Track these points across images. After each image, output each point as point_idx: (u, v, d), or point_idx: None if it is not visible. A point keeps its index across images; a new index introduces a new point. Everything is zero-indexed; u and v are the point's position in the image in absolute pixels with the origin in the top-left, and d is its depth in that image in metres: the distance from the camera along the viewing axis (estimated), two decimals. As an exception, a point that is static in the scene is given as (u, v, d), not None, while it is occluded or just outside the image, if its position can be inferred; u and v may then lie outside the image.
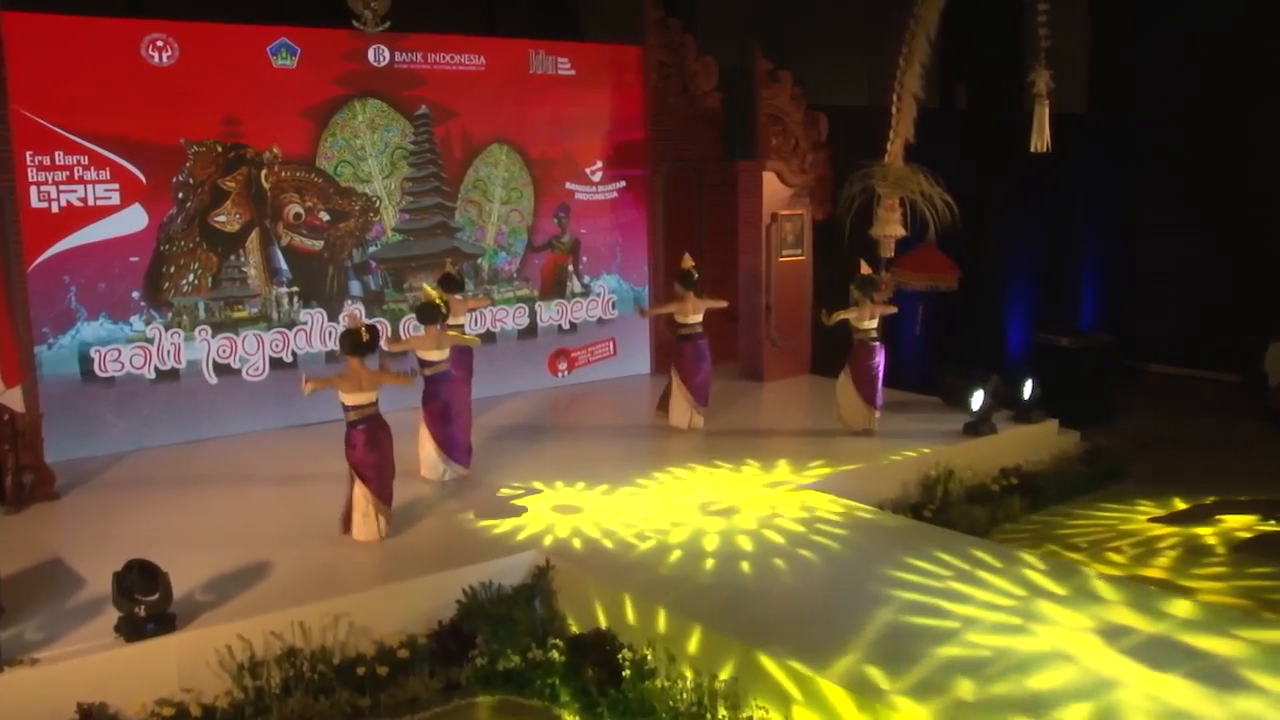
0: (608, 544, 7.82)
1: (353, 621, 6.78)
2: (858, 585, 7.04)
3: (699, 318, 10.94)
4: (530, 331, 12.70)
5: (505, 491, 8.94)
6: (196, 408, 10.64)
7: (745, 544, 7.81)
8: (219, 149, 10.58)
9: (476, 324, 12.08)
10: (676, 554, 7.61)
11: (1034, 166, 15.88)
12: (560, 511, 8.48)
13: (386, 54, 11.37)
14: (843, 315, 10.77)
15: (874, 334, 10.84)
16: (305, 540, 7.89)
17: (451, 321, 10.34)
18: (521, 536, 7.94)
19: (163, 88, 10.18)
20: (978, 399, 10.65)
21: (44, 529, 8.34)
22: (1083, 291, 17.38)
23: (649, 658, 6.48)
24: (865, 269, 11.21)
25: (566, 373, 13.00)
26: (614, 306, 13.28)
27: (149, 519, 8.42)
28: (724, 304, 11.26)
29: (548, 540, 7.86)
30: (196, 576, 7.06)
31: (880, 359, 10.84)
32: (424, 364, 9.08)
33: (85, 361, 10.07)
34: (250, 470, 9.76)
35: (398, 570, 7.38)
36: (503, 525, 8.18)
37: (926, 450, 10.17)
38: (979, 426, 10.64)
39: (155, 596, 6.22)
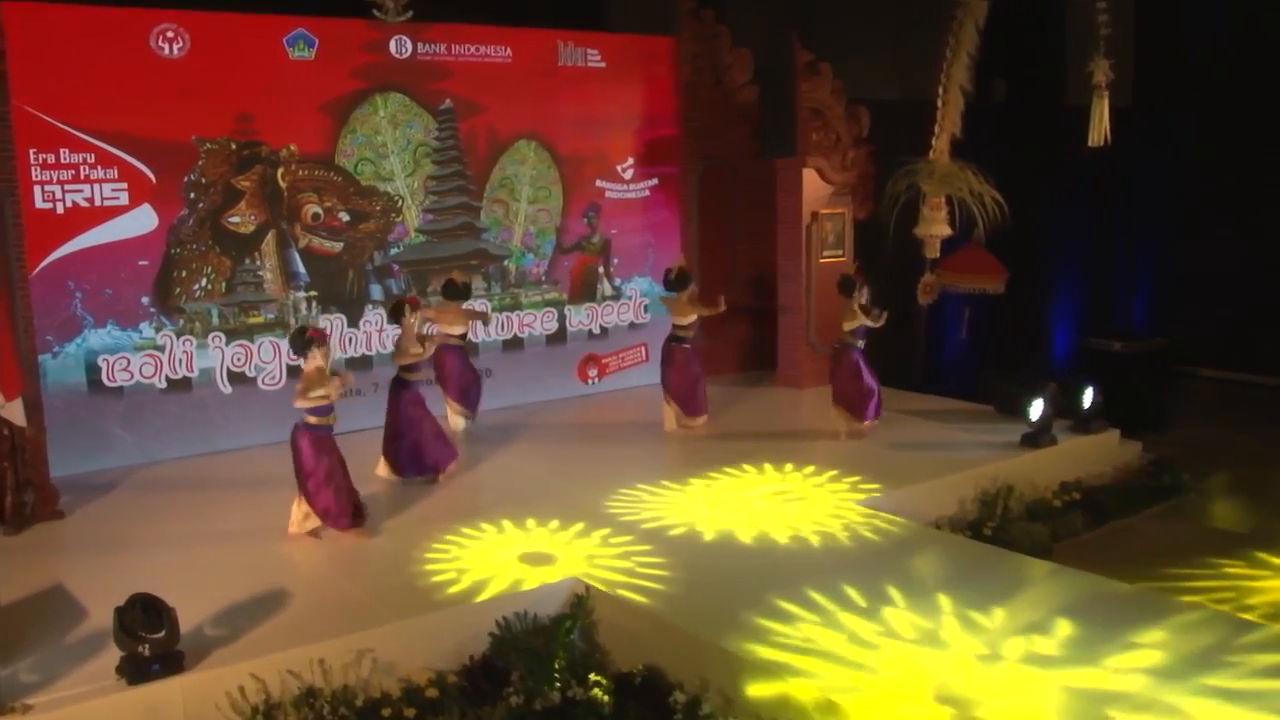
0: (655, 568, 7.21)
1: (377, 658, 6.21)
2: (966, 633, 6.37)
3: (686, 320, 10.43)
4: (559, 337, 12.12)
5: (538, 510, 8.34)
6: (209, 419, 10.10)
7: (811, 570, 7.19)
8: (232, 146, 10.03)
9: (502, 329, 11.58)
10: (731, 580, 6.99)
11: (1077, 163, 15.27)
12: (599, 531, 7.89)
13: (409, 45, 10.81)
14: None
15: (853, 338, 10.35)
16: (324, 567, 7.33)
17: (450, 330, 9.90)
18: (557, 561, 7.35)
19: (173, 81, 9.65)
20: (1037, 408, 10.01)
21: (45, 552, 7.78)
22: (1129, 293, 16.69)
23: (704, 701, 5.87)
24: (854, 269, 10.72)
25: (597, 380, 12.42)
26: (646, 310, 12.69)
27: (157, 541, 7.87)
28: (718, 309, 10.55)
29: (586, 565, 7.26)
30: (206, 607, 6.50)
31: (858, 361, 10.34)
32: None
33: (92, 371, 9.55)
34: (266, 487, 9.12)
35: (424, 601, 6.78)
36: (536, 548, 7.59)
37: (983, 464, 9.53)
38: (1038, 438, 10.01)
39: (161, 634, 5.65)
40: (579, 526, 7.97)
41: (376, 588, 6.97)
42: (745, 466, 9.48)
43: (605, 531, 7.89)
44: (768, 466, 9.49)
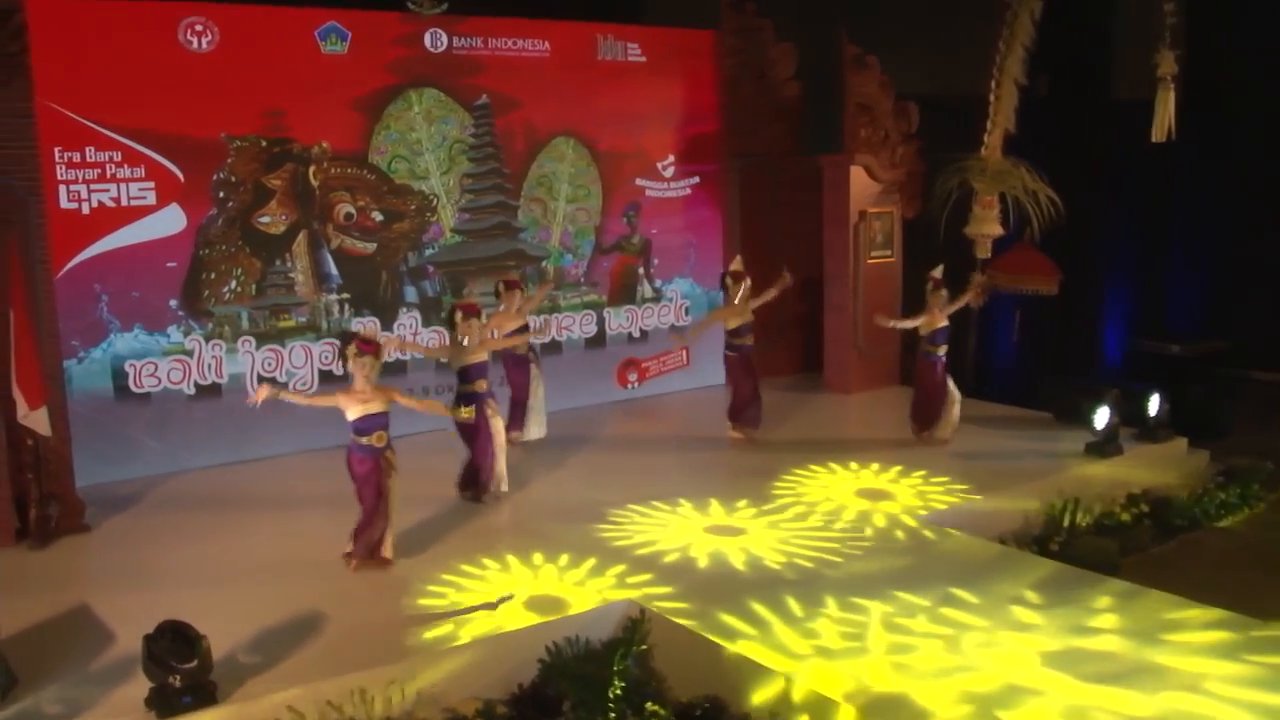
0: (714, 588, 6.79)
1: (421, 687, 5.83)
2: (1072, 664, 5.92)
3: (735, 323, 10.02)
4: (598, 340, 11.71)
5: (587, 526, 7.94)
6: (239, 426, 9.71)
7: (881, 591, 6.78)
8: (263, 144, 9.68)
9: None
10: (795, 603, 6.58)
11: (1125, 159, 14.79)
12: (652, 548, 7.49)
13: (444, 39, 10.43)
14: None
15: (933, 346, 10.10)
16: (363, 588, 6.94)
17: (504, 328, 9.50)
18: (609, 581, 6.94)
19: (201, 77, 9.30)
20: (1103, 416, 9.55)
21: (70, 568, 7.44)
22: (1180, 294, 16.13)
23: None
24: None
25: (636, 384, 12.01)
26: (687, 313, 12.27)
27: (186, 559, 7.52)
28: (785, 284, 10.21)
29: (641, 585, 6.86)
30: (239, 632, 6.13)
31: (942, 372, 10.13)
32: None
33: (118, 377, 9.21)
34: (299, 497, 8.82)
35: (470, 625, 6.38)
36: (586, 568, 7.18)
37: (1047, 475, 9.12)
38: (1104, 447, 9.57)
39: (192, 664, 5.28)
40: (623, 542, 7.59)
41: (418, 612, 6.58)
42: (801, 476, 9.09)
43: (653, 546, 7.49)
44: (824, 473, 9.18)
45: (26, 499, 7.77)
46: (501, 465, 8.59)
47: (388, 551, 7.30)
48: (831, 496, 8.68)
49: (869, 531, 7.89)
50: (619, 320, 11.85)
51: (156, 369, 9.36)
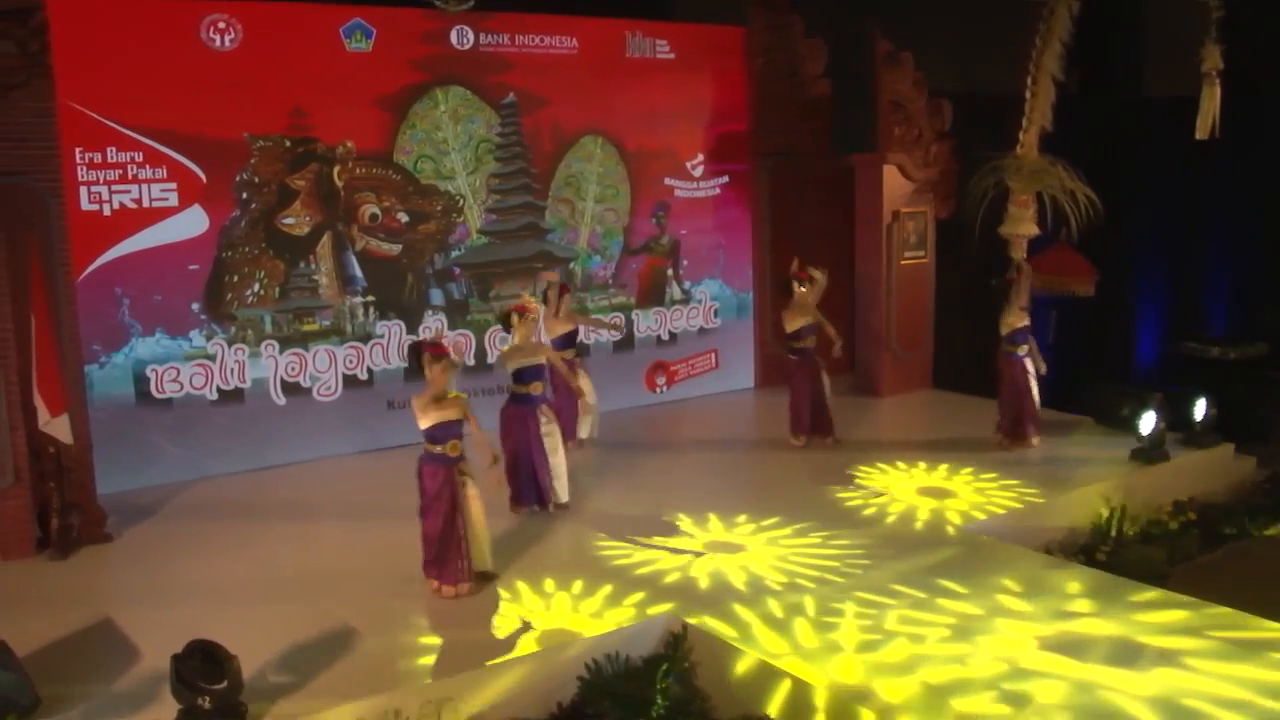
0: (759, 601, 6.55)
1: (457, 707, 5.61)
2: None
3: (797, 324, 9.74)
4: (626, 343, 11.48)
5: (624, 537, 7.70)
6: (263, 432, 9.55)
7: (935, 603, 6.53)
8: (286, 143, 9.48)
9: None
10: (850, 619, 6.32)
11: (1158, 157, 14.49)
12: (693, 559, 7.26)
13: (470, 36, 10.21)
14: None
15: (1013, 346, 9.83)
16: (396, 601, 6.70)
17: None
18: (650, 595, 6.70)
19: (224, 75, 9.11)
20: (1149, 421, 9.27)
21: (93, 580, 7.23)
22: (1217, 295, 15.81)
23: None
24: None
25: (665, 388, 11.77)
26: (716, 315, 12.02)
27: (211, 570, 7.29)
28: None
29: (682, 598, 6.61)
30: (269, 648, 5.91)
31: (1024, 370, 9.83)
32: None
33: (140, 382, 9.02)
34: (325, 505, 8.62)
35: (507, 642, 6.15)
36: (625, 580, 6.95)
37: (1092, 481, 8.85)
38: (1150, 453, 9.27)
39: (222, 685, 5.05)
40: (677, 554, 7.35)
41: (453, 629, 6.34)
42: (845, 485, 8.85)
43: (688, 560, 7.26)
44: (892, 472, 9.04)
45: (48, 508, 7.57)
46: (557, 476, 8.28)
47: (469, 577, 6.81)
48: (897, 497, 8.51)
49: (916, 533, 7.64)
50: (647, 323, 11.60)
51: (178, 374, 9.17)
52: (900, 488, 8.75)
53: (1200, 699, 5.34)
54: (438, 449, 6.74)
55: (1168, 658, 5.79)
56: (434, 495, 6.73)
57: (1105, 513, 8.56)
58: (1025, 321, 9.75)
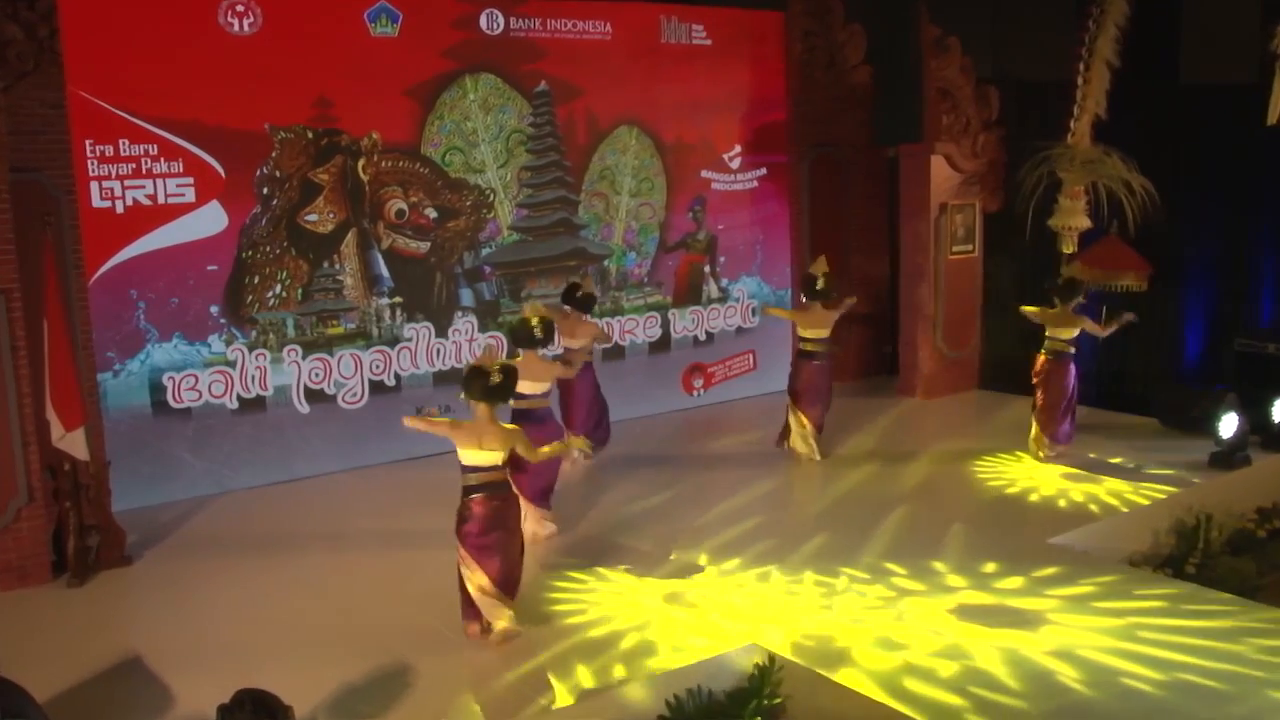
0: (855, 629, 6.00)
1: (530, 751, 5.06)
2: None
3: (817, 332, 9.10)
4: (663, 344, 10.91)
5: (690, 557, 7.16)
6: (286, 442, 8.98)
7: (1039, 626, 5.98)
8: (309, 135, 8.91)
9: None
10: (958, 657, 5.75)
11: (1203, 145, 13.95)
12: (771, 582, 6.71)
13: (500, 20, 9.65)
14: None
15: (1067, 346, 9.20)
16: (445, 632, 6.12)
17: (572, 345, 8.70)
18: (733, 621, 6.15)
19: (244, 63, 8.53)
20: (1230, 424, 8.75)
21: (115, 610, 6.64)
22: (1270, 289, 15.28)
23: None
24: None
25: (702, 391, 11.21)
26: (754, 314, 11.46)
27: (244, 594, 6.75)
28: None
29: (770, 627, 6.06)
30: (317, 688, 5.36)
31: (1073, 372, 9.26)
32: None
33: (157, 391, 8.44)
34: (357, 522, 8.05)
35: (578, 674, 5.60)
36: (702, 603, 6.40)
37: (1172, 488, 8.32)
38: (1231, 457, 8.76)
39: (277, 740, 4.48)
40: (744, 572, 6.79)
41: (516, 662, 5.77)
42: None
43: (778, 575, 6.72)
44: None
45: (65, 530, 6.99)
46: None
47: (503, 622, 5.98)
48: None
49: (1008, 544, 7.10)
50: (684, 322, 11.04)
51: (197, 381, 8.59)
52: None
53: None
54: (475, 479, 5.96)
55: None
56: (487, 530, 5.92)
57: (1190, 521, 8.05)
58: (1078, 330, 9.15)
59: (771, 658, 5.69)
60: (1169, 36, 14.40)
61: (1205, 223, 14.53)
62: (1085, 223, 11.13)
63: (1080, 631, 5.95)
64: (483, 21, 9.56)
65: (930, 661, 5.60)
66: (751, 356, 11.49)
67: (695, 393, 11.15)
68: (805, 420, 9.13)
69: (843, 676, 5.48)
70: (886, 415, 10.74)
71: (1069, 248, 11.27)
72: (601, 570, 6.94)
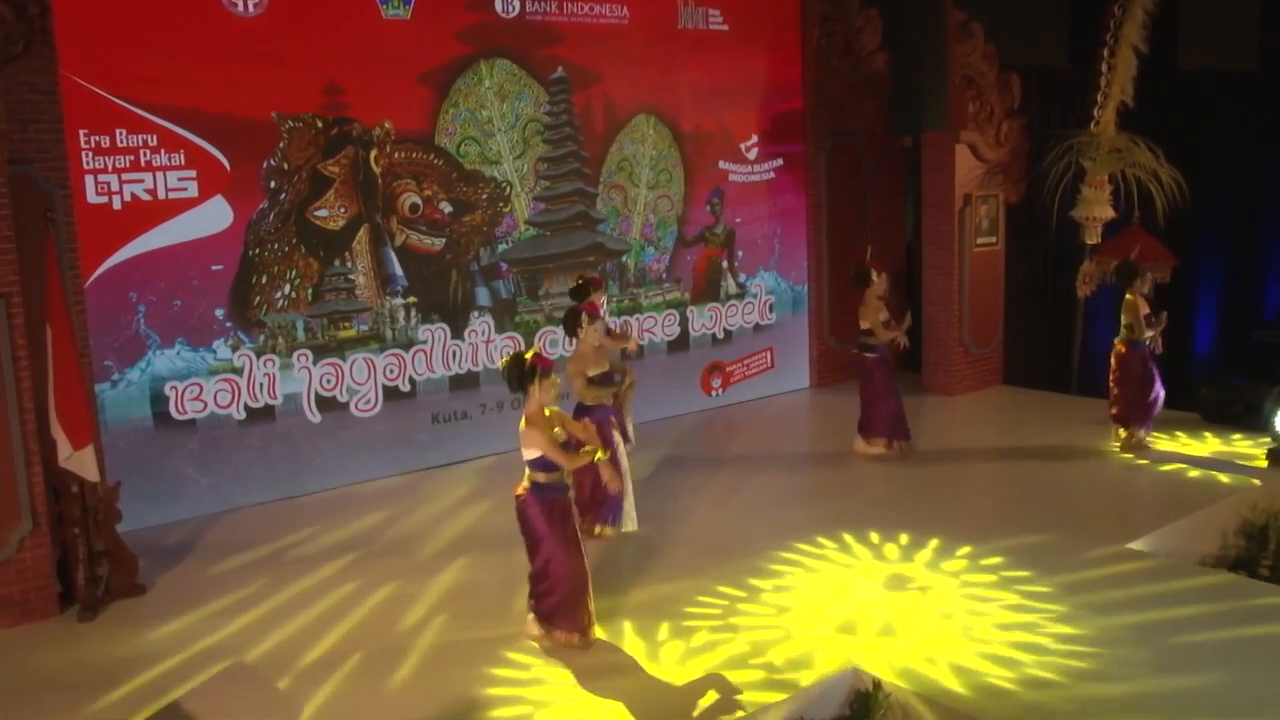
0: (966, 649, 5.53)
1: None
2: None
3: (867, 322, 8.76)
4: (681, 342, 10.42)
5: (769, 567, 6.68)
6: (297, 454, 8.40)
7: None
8: (319, 124, 8.31)
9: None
10: (1085, 680, 5.28)
11: (1211, 134, 13.74)
12: (871, 597, 6.24)
13: (516, 3, 9.11)
14: None
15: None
16: (505, 651, 5.60)
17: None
18: (828, 644, 5.66)
19: (249, 46, 7.93)
20: (1286, 419, 8.45)
21: (133, 647, 5.94)
22: (1270, 279, 15.12)
23: None
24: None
25: (721, 390, 10.74)
26: (771, 310, 11.01)
27: (271, 625, 6.13)
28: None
29: (869, 648, 5.59)
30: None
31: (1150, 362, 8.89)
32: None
33: (158, 402, 7.82)
34: (378, 539, 7.47)
35: (658, 706, 5.09)
36: (791, 626, 5.91)
37: (1232, 486, 8.02)
38: (1290, 453, 8.44)
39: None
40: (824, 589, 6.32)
41: (589, 683, 5.27)
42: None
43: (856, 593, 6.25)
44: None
45: (74, 558, 6.34)
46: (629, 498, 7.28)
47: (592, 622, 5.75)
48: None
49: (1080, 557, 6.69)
50: (702, 320, 10.56)
51: (201, 391, 7.97)
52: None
53: None
54: (544, 478, 5.60)
55: None
56: (552, 529, 5.61)
57: (1258, 521, 7.73)
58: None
59: (876, 684, 5.24)
60: (1166, 21, 14.16)
61: (1216, 213, 14.32)
62: (1109, 213, 10.83)
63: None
64: (497, 4, 9.03)
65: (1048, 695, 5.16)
66: (769, 354, 11.04)
67: (714, 393, 10.67)
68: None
69: (960, 703, 5.03)
70: (935, 414, 10.24)
71: (1093, 239, 10.96)
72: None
